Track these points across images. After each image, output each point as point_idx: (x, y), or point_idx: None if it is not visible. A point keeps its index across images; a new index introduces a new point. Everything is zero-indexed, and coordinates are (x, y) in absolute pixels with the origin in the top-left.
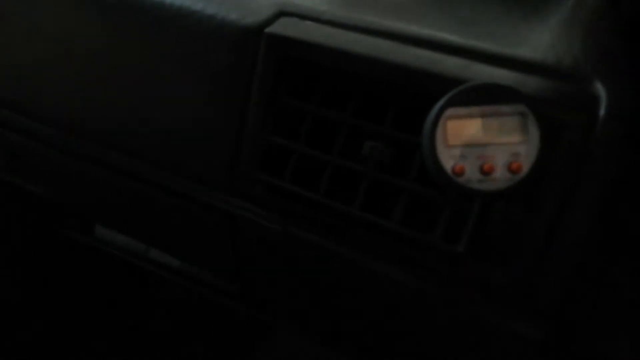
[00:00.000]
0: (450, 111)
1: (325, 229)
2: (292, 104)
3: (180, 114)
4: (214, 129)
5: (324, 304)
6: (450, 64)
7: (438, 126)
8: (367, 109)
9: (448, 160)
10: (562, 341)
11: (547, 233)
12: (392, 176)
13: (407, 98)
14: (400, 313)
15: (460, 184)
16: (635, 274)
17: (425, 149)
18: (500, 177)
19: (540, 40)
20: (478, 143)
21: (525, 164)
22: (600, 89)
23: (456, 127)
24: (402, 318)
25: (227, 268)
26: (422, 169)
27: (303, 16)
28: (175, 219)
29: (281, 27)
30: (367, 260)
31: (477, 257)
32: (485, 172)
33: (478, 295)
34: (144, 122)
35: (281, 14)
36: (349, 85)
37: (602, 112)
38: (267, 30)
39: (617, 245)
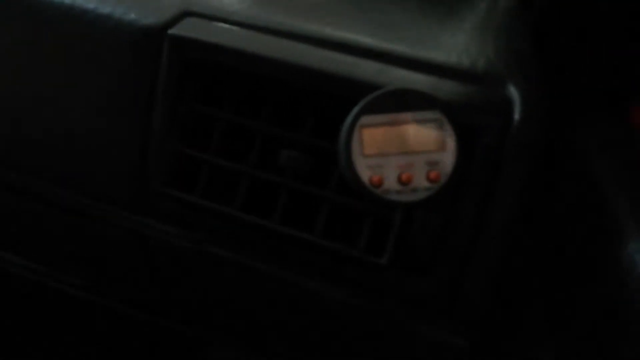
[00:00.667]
0: (365, 119)
1: (244, 245)
2: (200, 110)
3: (78, 124)
4: (115, 140)
5: (246, 319)
6: (365, 68)
7: (353, 135)
8: (284, 116)
9: (365, 170)
10: (488, 347)
11: (468, 239)
12: (312, 186)
13: (323, 103)
14: (325, 326)
15: (378, 195)
16: (556, 274)
17: (341, 160)
18: (419, 187)
19: (454, 43)
20: (395, 152)
21: (443, 173)
22: (513, 91)
23: (372, 136)
24: (327, 330)
25: (144, 289)
26: (342, 178)
27: (210, 17)
28: (81, 242)
29: (185, 29)
30: (289, 274)
31: (401, 268)
32: (404, 182)
33: (402, 306)
34: (38, 133)
35: (185, 14)
36: (262, 91)
37: (516, 115)
38: (170, 31)
39: (536, 246)
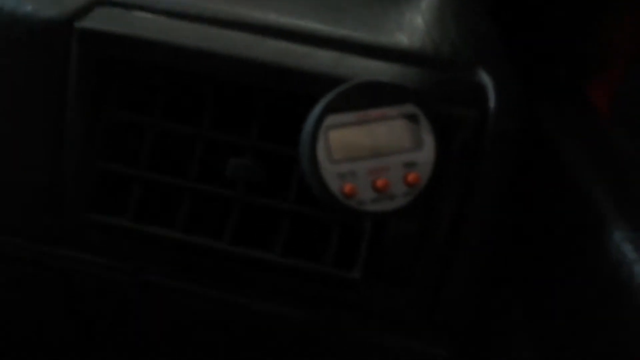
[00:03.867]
0: (330, 119)
1: (190, 271)
2: (125, 117)
3: None
4: (21, 160)
5: (197, 355)
6: (320, 58)
7: (318, 139)
8: (228, 118)
9: (335, 180)
10: (469, 356)
11: (447, 245)
12: (268, 198)
13: (273, 101)
14: (290, 349)
15: (352, 208)
16: (537, 275)
17: (305, 168)
18: (397, 193)
19: (414, 26)
20: (367, 155)
21: (423, 174)
22: (485, 77)
23: (340, 138)
24: (293, 353)
25: (61, 331)
26: (303, 185)
27: (126, 5)
28: None
29: (97, 20)
30: (245, 299)
31: (375, 280)
32: (380, 190)
33: (378, 320)
34: None
35: (96, 2)
36: (200, 90)
37: (491, 104)
38: (78, 24)
39: (515, 246)
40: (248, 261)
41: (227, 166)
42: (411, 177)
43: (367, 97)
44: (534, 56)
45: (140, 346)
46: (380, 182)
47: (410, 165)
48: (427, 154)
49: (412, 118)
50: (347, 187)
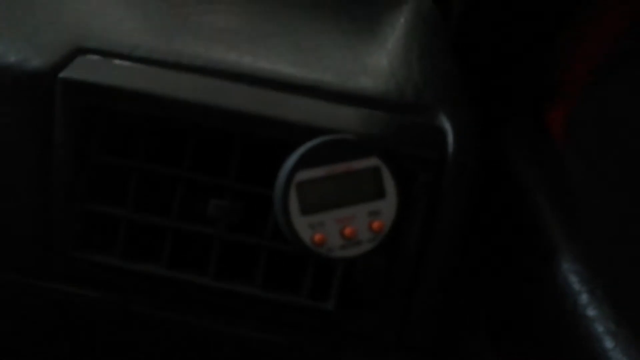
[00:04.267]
0: (300, 174)
1: (176, 303)
2: (109, 161)
3: None
4: (8, 203)
5: None
6: (293, 106)
7: (289, 193)
8: (209, 159)
9: (306, 230)
10: None
11: (412, 274)
12: (247, 235)
13: (250, 146)
14: None
15: (322, 254)
16: (495, 299)
17: (279, 219)
18: (363, 239)
19: (380, 68)
20: (335, 206)
21: (386, 221)
22: (444, 121)
23: (310, 192)
24: None
25: (57, 352)
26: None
27: (107, 53)
28: None
29: (79, 70)
30: (227, 327)
31: (348, 309)
32: (347, 237)
33: (351, 342)
34: None
35: (78, 51)
36: (180, 135)
37: (450, 147)
38: (62, 74)
39: (474, 267)
40: (231, 294)
41: (208, 207)
42: (376, 224)
43: (334, 152)
44: (495, 82)
45: None
46: (347, 231)
47: (374, 214)
48: (389, 202)
49: (375, 170)
50: (317, 237)
